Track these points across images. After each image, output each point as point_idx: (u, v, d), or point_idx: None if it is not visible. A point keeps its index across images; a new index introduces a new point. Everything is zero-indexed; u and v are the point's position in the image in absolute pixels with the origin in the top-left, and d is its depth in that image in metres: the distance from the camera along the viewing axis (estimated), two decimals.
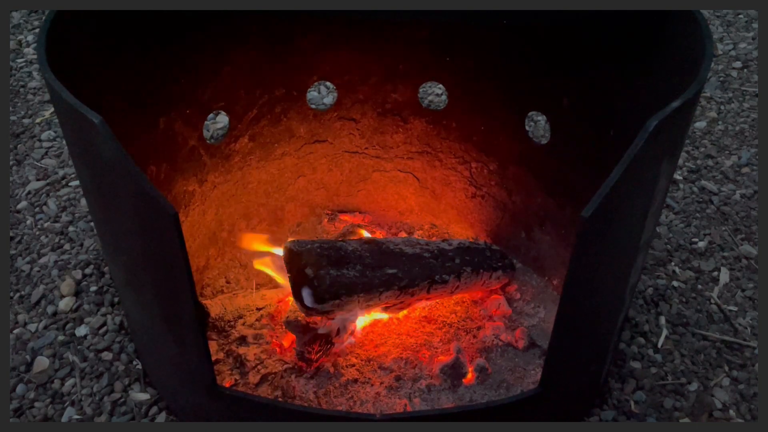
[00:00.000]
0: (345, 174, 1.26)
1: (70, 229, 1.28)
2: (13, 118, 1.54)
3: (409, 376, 1.00)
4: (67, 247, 1.24)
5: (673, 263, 1.22)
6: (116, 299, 1.13)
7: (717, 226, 1.30)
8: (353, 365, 1.01)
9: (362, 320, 1.06)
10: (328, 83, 1.34)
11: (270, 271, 1.09)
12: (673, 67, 0.83)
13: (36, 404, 0.99)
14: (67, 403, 1.00)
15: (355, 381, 0.99)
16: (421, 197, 1.26)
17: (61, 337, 1.08)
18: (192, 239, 1.10)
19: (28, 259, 1.22)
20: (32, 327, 1.10)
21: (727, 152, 1.48)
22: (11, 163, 1.43)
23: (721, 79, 1.70)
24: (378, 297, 0.97)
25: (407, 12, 1.05)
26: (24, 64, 1.73)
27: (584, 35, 0.95)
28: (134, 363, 1.04)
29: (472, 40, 1.06)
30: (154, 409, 0.98)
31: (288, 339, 1.02)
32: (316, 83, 1.17)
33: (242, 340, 1.02)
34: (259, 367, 0.99)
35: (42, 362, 1.04)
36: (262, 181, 1.19)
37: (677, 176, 1.41)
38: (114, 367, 1.04)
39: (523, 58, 1.03)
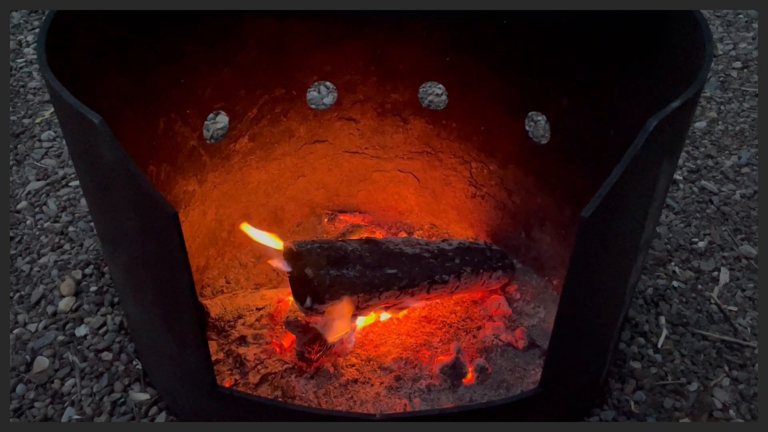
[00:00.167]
0: (345, 174, 1.26)
1: (70, 229, 1.28)
2: (13, 118, 1.54)
3: (409, 376, 1.00)
4: (67, 247, 1.24)
5: (673, 263, 1.22)
6: (116, 299, 1.13)
7: (717, 226, 1.30)
8: (353, 365, 1.01)
9: (362, 320, 1.06)
10: (328, 83, 1.34)
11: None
12: (673, 67, 0.83)
13: (36, 404, 0.99)
14: (67, 403, 1.00)
15: (355, 381, 0.99)
16: (421, 197, 1.26)
17: (61, 337, 1.08)
18: (192, 239, 1.10)
19: (28, 259, 1.22)
20: (32, 327, 1.10)
21: (727, 152, 1.48)
22: (11, 163, 1.43)
23: (721, 79, 1.70)
24: (378, 297, 0.97)
25: (407, 12, 1.05)
26: (24, 64, 1.73)
27: (584, 35, 0.95)
28: (134, 363, 1.04)
29: (472, 40, 1.06)
30: (154, 409, 0.98)
31: (288, 339, 1.02)
32: (316, 83, 1.17)
33: (242, 340, 1.02)
34: (259, 367, 0.99)
35: (42, 362, 1.04)
36: (262, 181, 1.19)
37: (677, 176, 1.41)
38: (114, 367, 1.04)
39: (523, 58, 1.03)
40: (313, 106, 1.17)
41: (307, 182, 1.25)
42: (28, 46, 1.79)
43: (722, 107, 1.60)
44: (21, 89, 1.64)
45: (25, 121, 1.54)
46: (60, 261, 1.21)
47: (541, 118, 1.49)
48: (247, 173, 1.17)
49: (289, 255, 0.94)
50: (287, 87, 1.13)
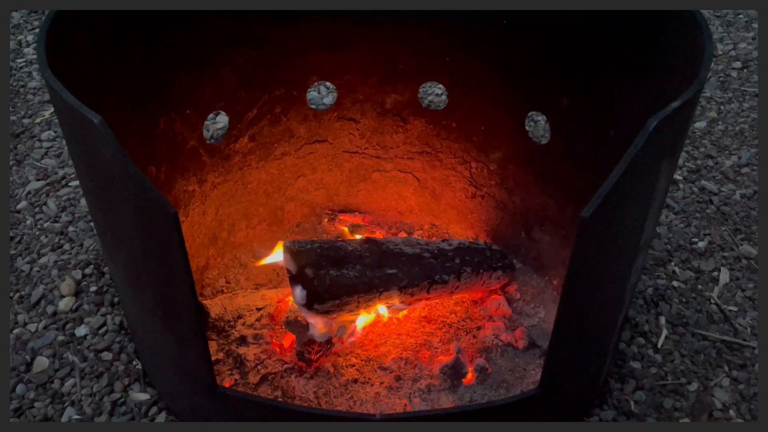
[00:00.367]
0: (345, 174, 1.26)
1: (70, 229, 1.28)
2: (13, 118, 1.54)
3: (409, 376, 1.00)
4: (67, 247, 1.24)
5: (673, 263, 1.22)
6: (116, 299, 1.13)
7: (717, 226, 1.30)
8: (353, 365, 1.01)
9: (362, 320, 1.06)
10: (328, 83, 1.34)
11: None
12: (673, 67, 0.83)
13: (36, 404, 0.99)
14: (67, 403, 0.99)
15: (355, 381, 0.99)
16: (421, 197, 1.26)
17: (60, 337, 1.08)
18: (192, 239, 1.10)
19: (28, 259, 1.22)
20: (32, 327, 1.10)
21: (727, 152, 1.48)
22: (11, 163, 1.43)
23: (721, 79, 1.70)
24: (378, 297, 0.97)
25: (407, 12, 1.05)
26: (24, 64, 1.73)
27: (584, 35, 0.95)
28: (134, 363, 1.04)
29: (472, 40, 1.06)
30: (154, 409, 0.98)
31: (288, 339, 1.02)
32: (316, 83, 1.17)
33: (242, 340, 1.02)
34: (259, 367, 0.99)
35: (42, 362, 1.04)
36: (262, 181, 1.19)
37: (677, 176, 1.41)
38: (114, 367, 1.04)
39: (523, 58, 1.03)
40: (313, 106, 1.17)
41: (307, 182, 1.25)
42: (28, 46, 1.79)
43: (722, 107, 1.60)
44: (21, 89, 1.64)
45: (25, 121, 1.54)
46: (60, 261, 1.21)
47: (541, 118, 1.49)
48: (247, 173, 1.17)
49: (289, 255, 0.94)
50: (287, 87, 1.13)
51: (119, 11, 0.88)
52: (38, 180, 1.38)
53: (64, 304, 1.13)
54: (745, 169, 1.43)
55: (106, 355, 1.05)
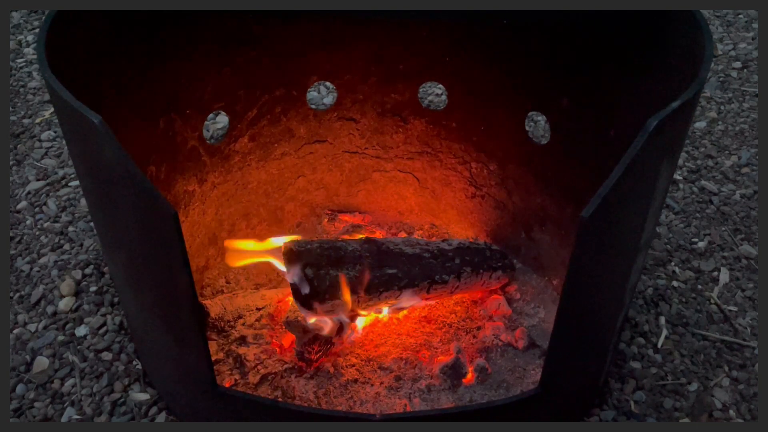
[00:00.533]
0: (345, 174, 1.26)
1: (70, 229, 1.28)
2: (13, 118, 1.54)
3: (409, 376, 1.00)
4: (66, 247, 1.24)
5: (673, 263, 1.22)
6: (116, 299, 1.13)
7: (717, 226, 1.30)
8: (353, 365, 1.01)
9: (362, 320, 1.06)
10: (328, 83, 1.34)
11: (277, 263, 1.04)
12: (673, 67, 0.83)
13: (36, 404, 0.99)
14: (67, 403, 0.99)
15: (355, 381, 0.99)
16: (421, 197, 1.26)
17: (60, 337, 1.08)
18: (192, 239, 1.10)
19: (27, 259, 1.22)
20: (32, 327, 1.10)
21: (727, 152, 1.48)
22: (11, 163, 1.43)
23: (721, 79, 1.70)
24: (378, 297, 0.97)
25: (407, 12, 1.05)
26: (24, 64, 1.73)
27: (584, 35, 0.95)
28: (134, 363, 1.04)
29: (472, 40, 1.06)
30: (154, 409, 0.98)
31: (288, 339, 1.02)
32: (316, 83, 1.17)
33: (242, 340, 1.02)
34: (259, 367, 0.99)
35: (42, 362, 1.04)
36: (262, 181, 1.19)
37: (677, 176, 1.41)
38: (114, 367, 1.04)
39: (523, 58, 1.03)
40: (313, 106, 1.17)
41: (307, 182, 1.25)
42: (28, 46, 1.79)
43: (722, 107, 1.60)
44: (21, 89, 1.64)
45: (25, 121, 1.54)
46: (60, 261, 1.21)
47: (541, 118, 1.49)
48: (247, 173, 1.17)
49: (289, 255, 0.94)
50: (287, 87, 1.13)
51: (119, 11, 0.88)
52: (38, 180, 1.38)
53: (64, 304, 1.13)
54: (745, 169, 1.43)
55: (106, 355, 1.05)
